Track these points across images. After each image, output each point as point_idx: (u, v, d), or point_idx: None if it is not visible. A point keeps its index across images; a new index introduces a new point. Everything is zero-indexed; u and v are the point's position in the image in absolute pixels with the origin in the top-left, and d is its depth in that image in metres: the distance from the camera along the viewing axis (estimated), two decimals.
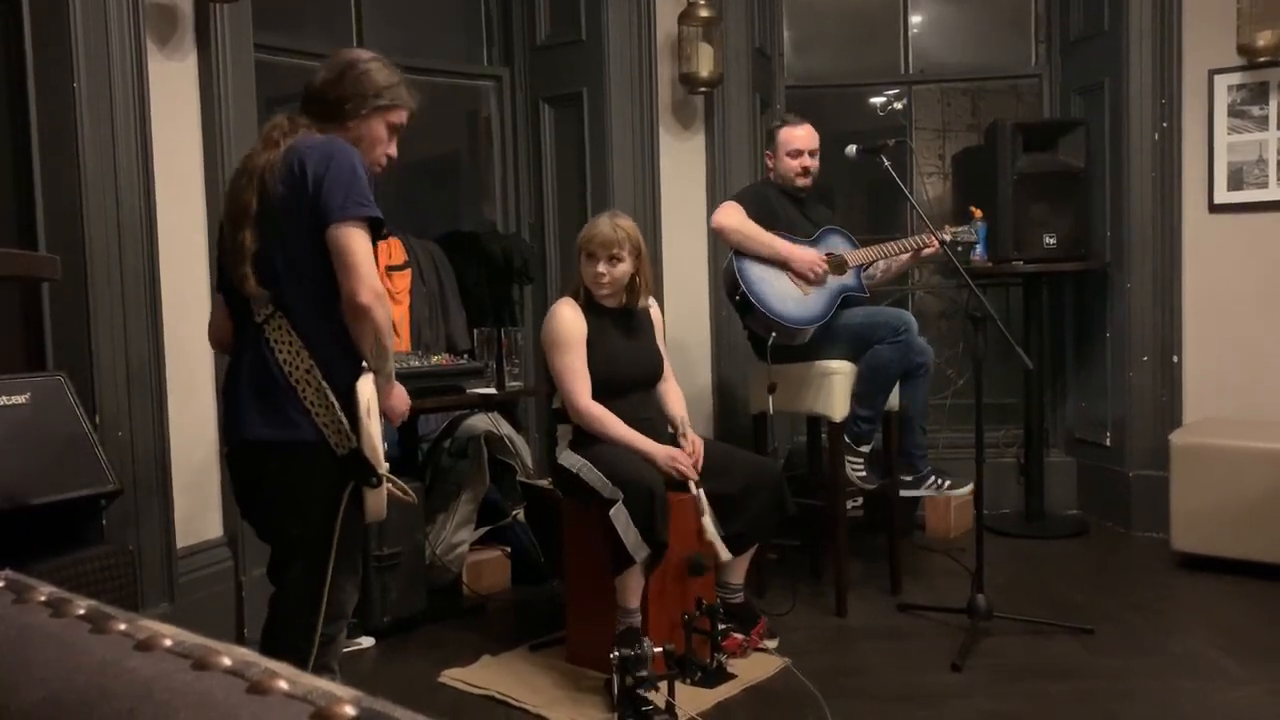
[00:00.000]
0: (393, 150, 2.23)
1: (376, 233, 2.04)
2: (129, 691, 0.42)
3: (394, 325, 2.13)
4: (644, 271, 3.10)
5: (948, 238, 3.61)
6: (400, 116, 2.21)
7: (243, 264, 2.03)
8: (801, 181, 3.69)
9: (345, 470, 2.04)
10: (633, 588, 2.86)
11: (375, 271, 2.00)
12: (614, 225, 3.02)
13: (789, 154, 3.67)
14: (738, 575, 3.19)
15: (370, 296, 1.97)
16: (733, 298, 3.59)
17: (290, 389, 2.01)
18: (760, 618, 3.20)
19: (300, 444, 2.02)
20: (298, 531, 2.08)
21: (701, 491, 2.97)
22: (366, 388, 2.02)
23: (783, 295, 3.49)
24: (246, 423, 2.06)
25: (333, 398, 2.01)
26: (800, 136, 3.67)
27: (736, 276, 3.50)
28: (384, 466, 2.04)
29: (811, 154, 3.68)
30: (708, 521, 2.94)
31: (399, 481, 2.12)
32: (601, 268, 3.01)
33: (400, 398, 2.25)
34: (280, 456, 2.04)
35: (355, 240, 1.97)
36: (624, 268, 3.04)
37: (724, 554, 2.98)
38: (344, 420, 2.02)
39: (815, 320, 3.49)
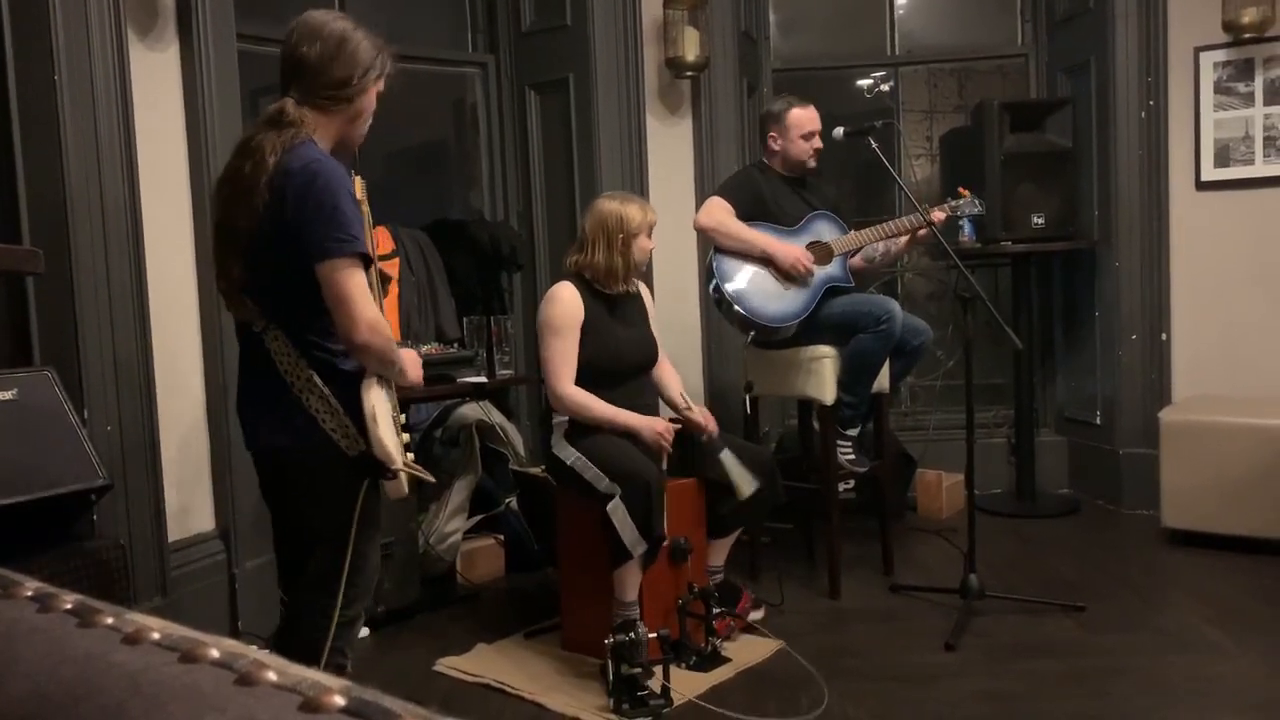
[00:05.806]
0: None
1: (365, 264, 1.99)
2: (116, 685, 0.41)
3: (392, 332, 2.10)
4: None
5: (943, 215, 3.53)
6: (383, 82, 2.18)
7: (231, 271, 2.03)
8: (813, 163, 3.67)
9: (359, 467, 2.05)
10: (630, 582, 2.86)
11: (369, 304, 1.95)
12: (642, 205, 3.14)
13: (804, 136, 3.63)
14: (719, 558, 3.21)
15: (365, 334, 1.93)
16: (712, 295, 3.57)
17: (295, 398, 2.02)
18: (743, 591, 3.21)
19: (312, 449, 2.03)
20: (319, 521, 2.10)
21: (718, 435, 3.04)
22: (370, 397, 2.00)
23: (763, 292, 3.46)
24: (260, 431, 2.11)
25: (336, 403, 2.02)
26: (812, 118, 3.65)
27: (714, 274, 3.48)
28: (397, 463, 2.02)
29: (820, 135, 3.68)
30: (729, 459, 2.98)
31: (418, 469, 2.12)
32: (651, 241, 3.14)
33: (413, 369, 2.18)
34: (296, 460, 2.07)
35: (343, 277, 1.93)
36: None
37: (746, 489, 2.97)
38: (350, 424, 2.02)
39: (795, 317, 3.45)
